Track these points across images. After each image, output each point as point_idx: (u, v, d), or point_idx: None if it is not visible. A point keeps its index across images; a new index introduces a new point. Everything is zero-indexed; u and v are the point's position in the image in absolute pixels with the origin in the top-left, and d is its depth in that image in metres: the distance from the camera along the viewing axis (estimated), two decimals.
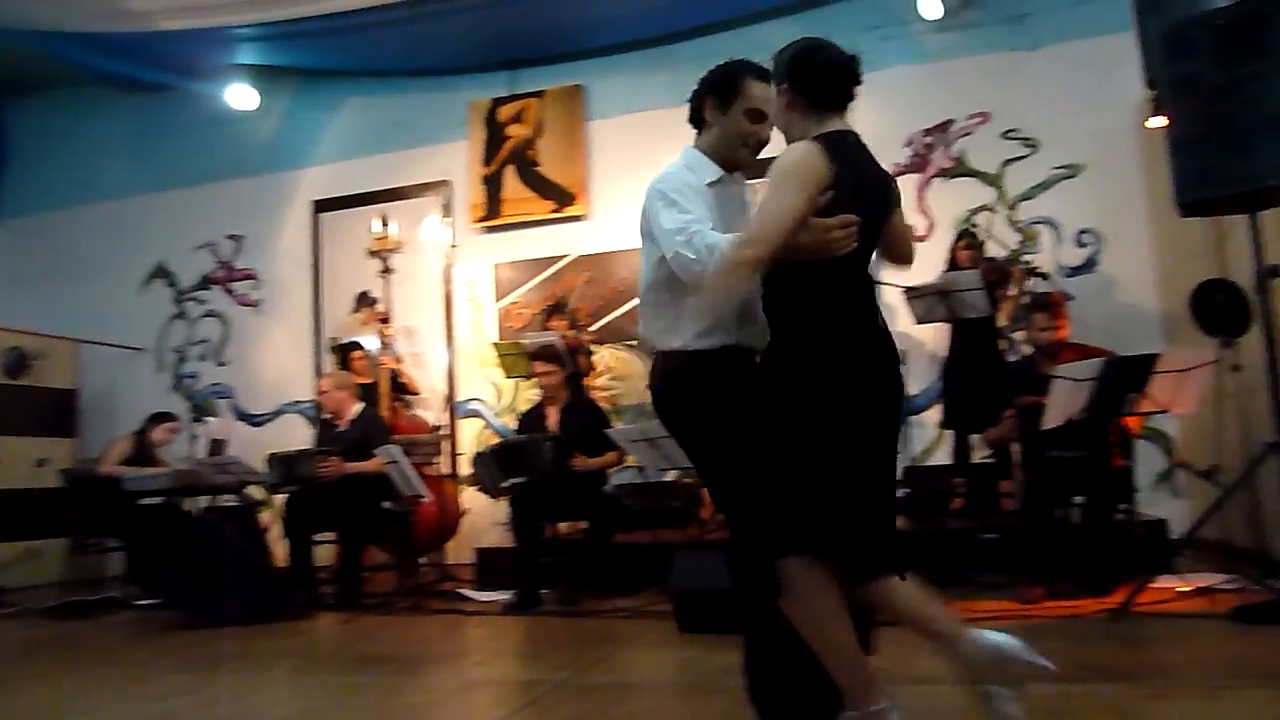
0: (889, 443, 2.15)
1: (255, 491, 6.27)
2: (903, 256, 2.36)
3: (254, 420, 7.69)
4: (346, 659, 3.92)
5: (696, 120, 2.34)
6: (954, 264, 5.57)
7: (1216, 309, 3.97)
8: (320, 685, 3.42)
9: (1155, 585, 3.81)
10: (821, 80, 2.14)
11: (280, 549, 5.62)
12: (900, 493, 5.50)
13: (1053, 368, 4.46)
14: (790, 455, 2.02)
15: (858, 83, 2.17)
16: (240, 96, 7.55)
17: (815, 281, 2.06)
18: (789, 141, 2.18)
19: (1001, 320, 5.54)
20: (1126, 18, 4.44)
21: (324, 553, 5.60)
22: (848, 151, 2.08)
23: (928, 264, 5.81)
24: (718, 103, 2.27)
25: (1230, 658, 3.00)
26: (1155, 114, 4.43)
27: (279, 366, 7.69)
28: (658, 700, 2.87)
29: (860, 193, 2.06)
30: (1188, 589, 3.88)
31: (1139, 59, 4.33)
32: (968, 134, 6.33)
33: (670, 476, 5.67)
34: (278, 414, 7.63)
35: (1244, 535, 4.42)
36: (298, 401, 7.55)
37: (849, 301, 2.09)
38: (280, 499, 5.85)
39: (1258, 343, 3.65)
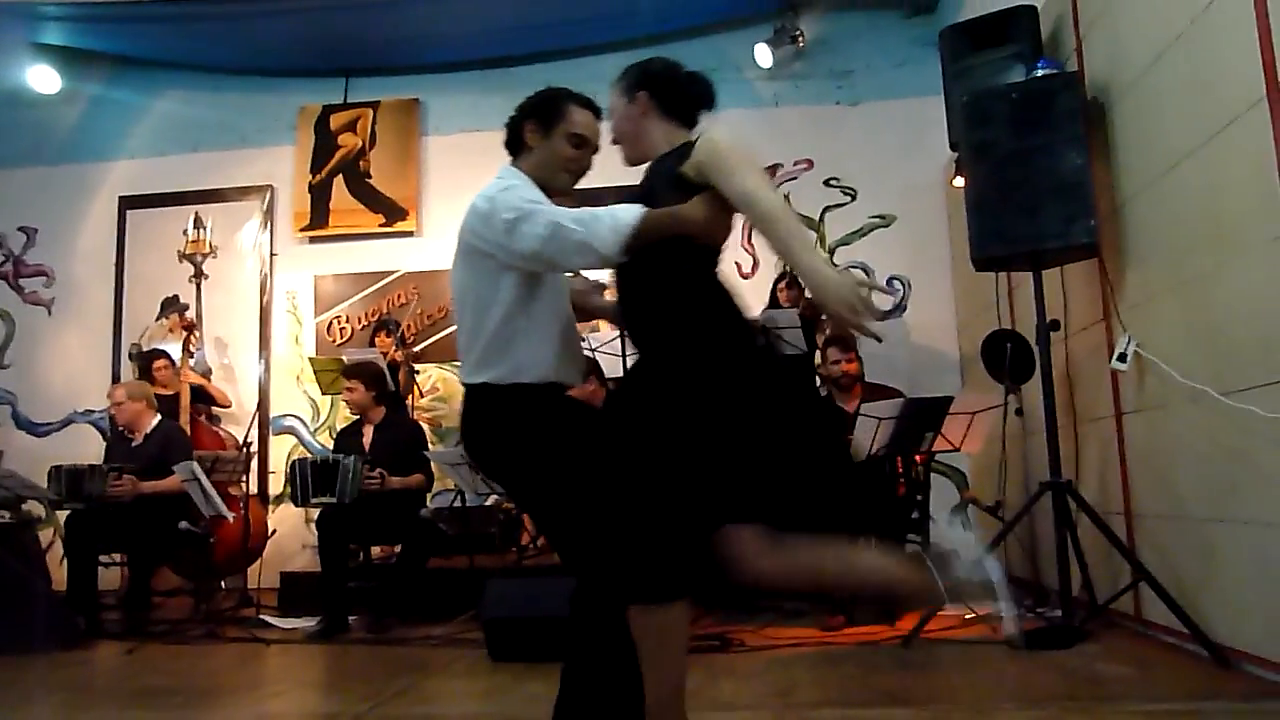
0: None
1: (34, 508, 5.74)
2: None
3: (38, 430, 7.06)
4: (127, 691, 3.63)
5: (514, 144, 2.28)
6: (776, 303, 5.80)
7: (1004, 357, 4.30)
8: None
9: (944, 613, 4.05)
10: (684, 93, 2.18)
11: (61, 570, 5.16)
12: None
13: (848, 402, 4.73)
14: (706, 466, 1.95)
15: (713, 105, 2.22)
16: (40, 78, 6.96)
17: (691, 285, 2.07)
18: (635, 152, 2.22)
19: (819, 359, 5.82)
20: (938, 81, 4.78)
21: (110, 576, 5.19)
22: None
23: (751, 301, 6.03)
24: (539, 126, 2.23)
25: (1004, 681, 3.22)
26: (957, 174, 4.78)
27: (70, 372, 7.10)
28: None
29: None
30: (972, 616, 4.15)
31: (946, 122, 4.67)
32: (793, 179, 6.64)
33: (489, 501, 5.59)
34: (66, 424, 7.04)
35: (1022, 566, 4.79)
36: (89, 411, 6.99)
37: (725, 300, 2.10)
38: (63, 516, 5.38)
39: (1038, 390, 3.98)
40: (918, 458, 4.47)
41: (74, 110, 7.31)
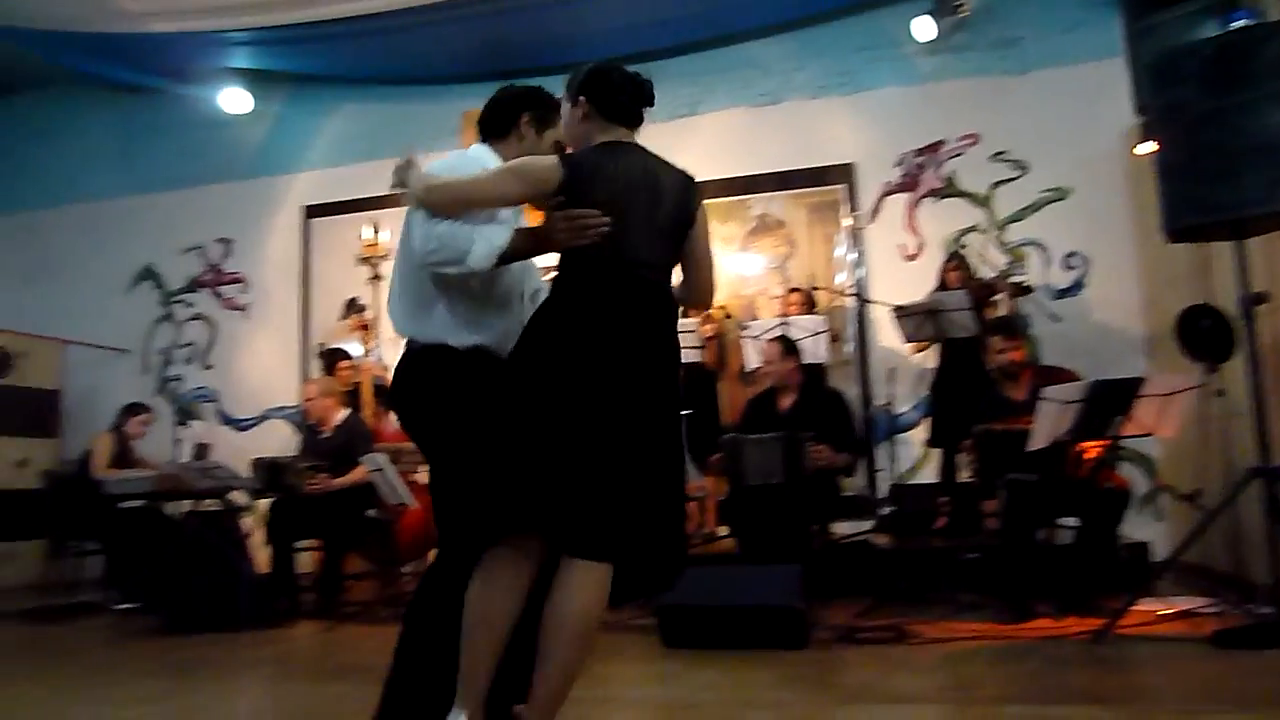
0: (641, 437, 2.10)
1: (238, 497, 6.21)
2: (697, 288, 2.33)
3: (239, 425, 7.64)
4: (326, 668, 3.89)
5: (498, 126, 2.38)
6: (944, 284, 5.61)
7: (1201, 334, 4.00)
8: (298, 694, 3.39)
9: (1137, 608, 3.82)
10: (616, 94, 2.26)
11: (262, 555, 5.57)
12: (885, 510, 5.52)
13: (1015, 390, 4.50)
14: (512, 431, 2.06)
15: (650, 102, 2.30)
16: (233, 100, 7.53)
17: (573, 273, 2.15)
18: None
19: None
20: (1116, 44, 4.50)
21: (303, 560, 5.56)
22: (614, 160, 2.18)
23: (917, 283, 5.87)
24: (534, 120, 2.37)
25: (1209, 682, 3.01)
26: (1144, 140, 4.47)
27: (265, 371, 7.65)
28: (639, 714, 2.85)
29: (621, 198, 2.13)
30: (1169, 612, 3.89)
31: (1128, 85, 4.38)
32: (958, 155, 6.38)
33: None
34: (262, 419, 7.59)
35: (1225, 559, 4.45)
36: (282, 407, 7.51)
37: (602, 296, 2.12)
38: (263, 504, 5.80)
39: (1241, 369, 3.68)
40: (1101, 444, 4.20)
41: (261, 128, 7.85)
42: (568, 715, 2.75)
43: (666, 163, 2.27)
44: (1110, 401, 3.81)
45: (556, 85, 7.40)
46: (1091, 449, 4.08)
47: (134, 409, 6.27)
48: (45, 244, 8.25)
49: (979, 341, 5.25)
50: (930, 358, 5.85)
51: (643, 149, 2.26)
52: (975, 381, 5.21)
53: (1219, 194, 3.41)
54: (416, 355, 2.29)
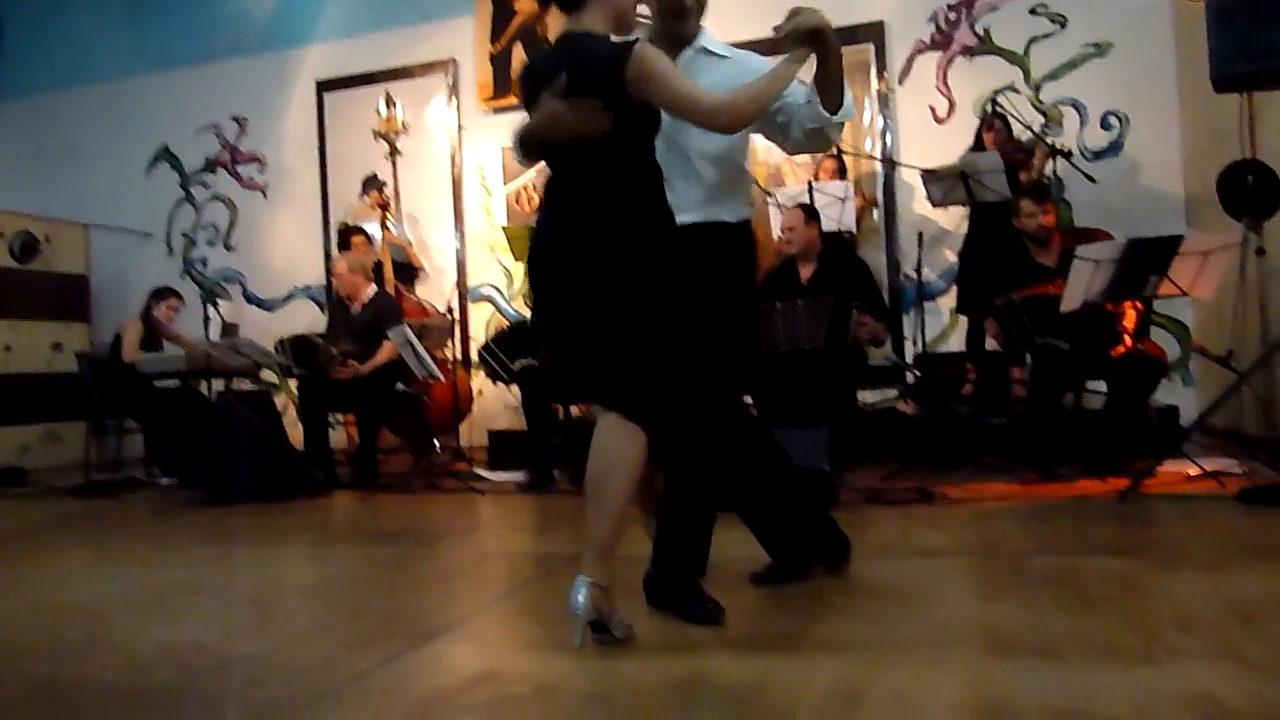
0: None
1: (268, 375, 6.30)
2: None
3: (265, 305, 7.69)
4: (366, 533, 4.01)
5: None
6: (979, 146, 5.44)
7: (1245, 190, 3.88)
8: (341, 556, 3.50)
9: (1165, 469, 3.84)
10: None
11: (295, 432, 5.68)
12: (910, 377, 5.52)
13: (1046, 256, 4.42)
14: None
15: None
16: None
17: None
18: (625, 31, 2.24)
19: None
20: None
21: (335, 437, 5.67)
22: None
23: (947, 147, 5.69)
24: None
25: (1236, 536, 3.03)
26: None
27: (287, 251, 7.64)
28: None
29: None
30: (1196, 473, 3.90)
31: None
32: (993, 9, 6.08)
33: None
34: (288, 298, 7.62)
35: (1257, 423, 4.43)
36: (307, 286, 7.54)
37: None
38: (293, 382, 5.88)
39: None
40: (1135, 308, 4.13)
41: None
42: (560, 574, 2.82)
43: None
44: (1147, 260, 3.73)
45: None
46: (1128, 315, 4.02)
47: (161, 294, 6.30)
48: (62, 127, 8.18)
49: (1011, 206, 5.12)
50: (961, 223, 5.74)
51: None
52: (1007, 248, 5.11)
53: (1274, 38, 3.24)
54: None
